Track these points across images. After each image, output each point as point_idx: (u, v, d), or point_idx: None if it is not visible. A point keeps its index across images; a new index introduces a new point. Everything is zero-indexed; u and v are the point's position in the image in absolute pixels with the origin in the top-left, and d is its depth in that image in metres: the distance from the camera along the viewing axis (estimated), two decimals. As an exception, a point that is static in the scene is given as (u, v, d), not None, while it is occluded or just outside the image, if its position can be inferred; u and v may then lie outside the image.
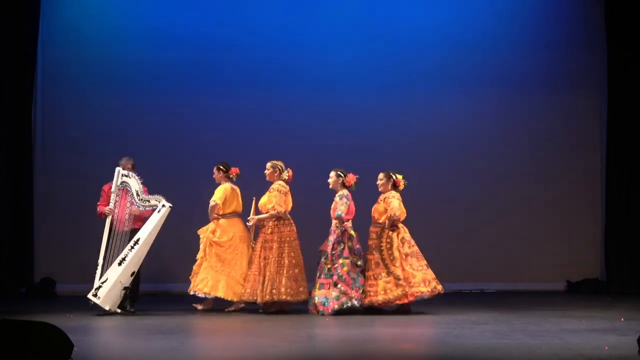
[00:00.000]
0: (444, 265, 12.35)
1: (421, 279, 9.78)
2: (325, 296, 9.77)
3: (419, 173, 12.47)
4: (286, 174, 10.18)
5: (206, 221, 10.36)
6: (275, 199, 9.96)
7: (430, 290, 9.75)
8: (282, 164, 10.21)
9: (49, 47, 12.16)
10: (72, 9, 12.30)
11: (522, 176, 12.58)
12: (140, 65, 12.28)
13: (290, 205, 10.11)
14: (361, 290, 9.77)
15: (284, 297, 9.77)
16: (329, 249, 9.86)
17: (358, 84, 12.44)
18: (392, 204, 9.93)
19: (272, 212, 9.94)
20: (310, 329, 8.62)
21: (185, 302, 10.58)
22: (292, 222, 10.07)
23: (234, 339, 8.08)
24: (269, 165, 10.20)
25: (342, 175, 10.12)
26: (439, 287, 9.82)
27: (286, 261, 9.87)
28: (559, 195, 12.56)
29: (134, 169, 10.07)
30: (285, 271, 9.83)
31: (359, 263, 9.88)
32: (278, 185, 10.08)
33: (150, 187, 10.68)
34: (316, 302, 9.79)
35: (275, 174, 10.15)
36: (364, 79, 12.45)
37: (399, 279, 9.69)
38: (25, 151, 11.83)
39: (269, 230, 9.98)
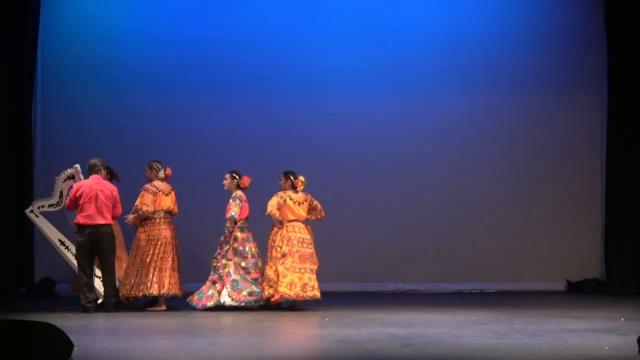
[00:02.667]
0: (444, 265, 12.40)
1: (289, 281, 9.95)
2: (202, 291, 10.13)
3: (419, 173, 12.49)
4: (162, 173, 10.30)
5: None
6: (142, 198, 10.17)
7: (294, 294, 9.94)
8: (159, 164, 10.33)
9: (49, 47, 12.16)
10: (72, 9, 12.30)
11: (522, 176, 12.57)
12: (140, 65, 12.28)
13: (166, 204, 10.24)
14: (245, 292, 10.02)
15: (139, 293, 10.07)
16: (217, 249, 10.20)
17: (357, 84, 12.43)
18: (270, 201, 10.14)
19: (140, 211, 10.15)
20: (310, 329, 8.62)
21: (185, 302, 10.59)
22: (163, 220, 10.22)
23: (234, 339, 8.08)
24: (146, 166, 10.37)
25: (237, 177, 10.31)
26: (308, 294, 10.00)
27: (148, 259, 10.11)
28: (559, 196, 12.56)
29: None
30: (152, 269, 10.07)
31: (242, 264, 10.09)
32: (149, 185, 10.26)
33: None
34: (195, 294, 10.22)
35: (152, 174, 10.30)
36: (363, 79, 12.45)
37: (269, 279, 10.00)
38: (25, 151, 11.83)
39: (140, 229, 10.23)
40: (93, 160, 10.11)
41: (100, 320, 9.26)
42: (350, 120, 12.42)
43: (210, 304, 10.03)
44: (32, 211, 10.30)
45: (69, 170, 10.31)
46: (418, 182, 12.47)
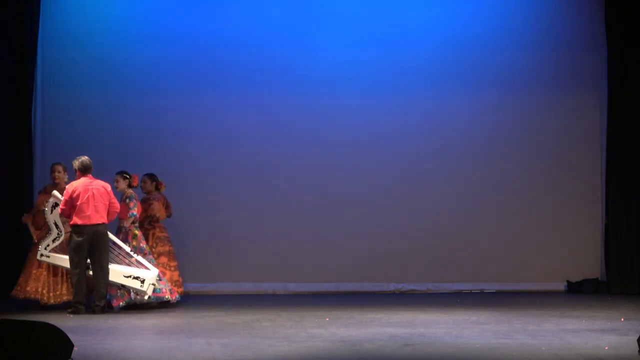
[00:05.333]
0: (444, 265, 12.39)
1: (167, 278, 10.57)
2: (110, 293, 10.14)
3: (419, 172, 12.48)
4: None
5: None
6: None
7: (169, 291, 10.48)
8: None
9: (49, 47, 12.15)
10: (72, 9, 12.28)
11: (522, 176, 12.56)
12: (141, 65, 12.26)
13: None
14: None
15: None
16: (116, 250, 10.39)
17: (358, 84, 12.41)
18: (152, 205, 10.77)
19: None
20: (310, 329, 8.63)
21: (186, 302, 10.60)
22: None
23: (233, 339, 8.09)
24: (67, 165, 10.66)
25: (128, 176, 10.55)
26: (180, 290, 10.74)
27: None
28: (558, 195, 12.55)
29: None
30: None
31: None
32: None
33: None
34: None
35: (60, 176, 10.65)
36: (363, 78, 12.42)
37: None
38: (25, 151, 11.82)
39: None
40: (86, 161, 10.11)
41: (100, 320, 9.27)
42: (350, 121, 12.40)
43: (122, 303, 10.12)
44: (42, 255, 10.23)
45: (50, 200, 10.27)
46: (418, 182, 12.46)
